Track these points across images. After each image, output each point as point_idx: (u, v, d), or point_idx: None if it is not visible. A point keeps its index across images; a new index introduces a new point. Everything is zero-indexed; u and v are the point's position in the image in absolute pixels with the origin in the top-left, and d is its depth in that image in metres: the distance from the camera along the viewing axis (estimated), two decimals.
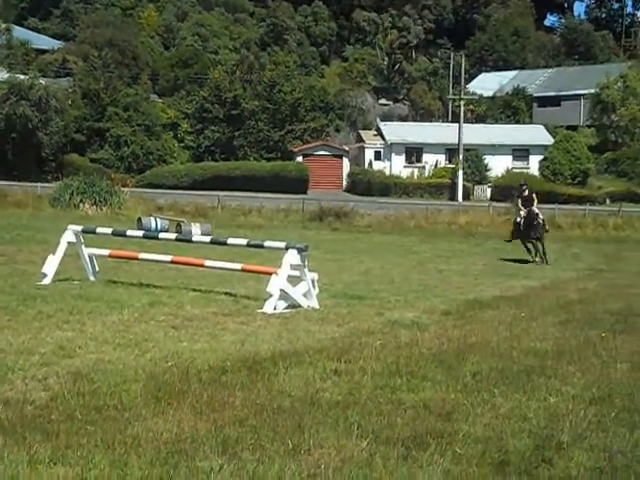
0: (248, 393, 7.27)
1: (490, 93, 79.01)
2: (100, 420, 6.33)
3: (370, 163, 69.24)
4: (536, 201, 25.91)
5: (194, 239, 16.19)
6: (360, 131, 73.69)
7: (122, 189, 42.41)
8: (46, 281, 14.06)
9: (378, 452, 5.85)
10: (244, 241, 14.69)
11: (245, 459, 5.65)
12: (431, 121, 78.36)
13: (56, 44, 79.50)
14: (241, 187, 56.37)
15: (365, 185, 64.72)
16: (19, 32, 75.67)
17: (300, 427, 6.33)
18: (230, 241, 14.89)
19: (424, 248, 29.71)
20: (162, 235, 15.95)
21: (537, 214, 25.55)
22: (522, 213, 25.56)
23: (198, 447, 5.83)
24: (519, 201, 26.21)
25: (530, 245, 25.72)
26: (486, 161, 67.28)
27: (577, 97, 77.90)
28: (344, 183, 68.37)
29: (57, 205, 38.00)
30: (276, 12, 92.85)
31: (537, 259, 25.39)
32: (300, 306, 12.78)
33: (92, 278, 14.87)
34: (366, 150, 69.66)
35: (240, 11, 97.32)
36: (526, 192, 25.95)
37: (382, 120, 74.21)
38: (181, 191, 52.44)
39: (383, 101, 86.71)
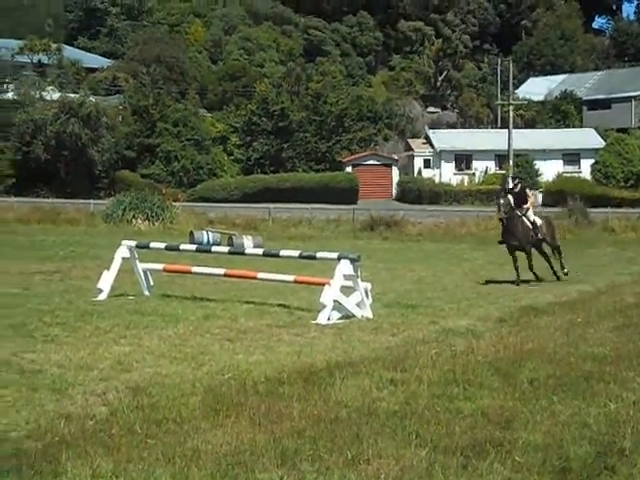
0: (305, 404, 7.28)
1: (539, 98, 78.36)
2: (160, 434, 6.39)
3: (419, 171, 69.05)
4: (531, 199, 21.67)
5: (247, 252, 16.28)
6: (409, 139, 73.53)
7: (173, 204, 42.75)
8: (102, 297, 14.20)
9: (437, 461, 5.83)
10: (296, 253, 14.73)
11: (304, 470, 5.66)
12: (480, 128, 77.96)
13: (106, 62, 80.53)
14: (291, 199, 56.52)
15: (415, 193, 64.54)
16: (70, 52, 76.75)
17: (358, 437, 6.33)
18: (283, 253, 14.94)
19: (476, 255, 29.49)
20: (215, 248, 16.05)
21: (520, 216, 20.50)
22: (502, 213, 20.33)
23: (257, 459, 5.85)
24: (508, 199, 20.54)
25: (515, 255, 20.31)
26: (537, 166, 66.74)
27: (628, 99, 76.94)
28: (394, 192, 68.25)
29: (110, 221, 38.39)
30: (309, 25, 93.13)
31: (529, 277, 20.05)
32: (354, 316, 12.77)
33: (147, 293, 14.99)
34: (415, 158, 69.50)
35: (287, 23, 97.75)
36: (517, 187, 21.09)
37: (430, 128, 74.00)
38: (232, 204, 52.73)
39: (431, 109, 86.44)
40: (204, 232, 32.21)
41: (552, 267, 20.76)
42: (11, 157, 61.24)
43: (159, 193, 45.70)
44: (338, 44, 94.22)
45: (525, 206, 20.81)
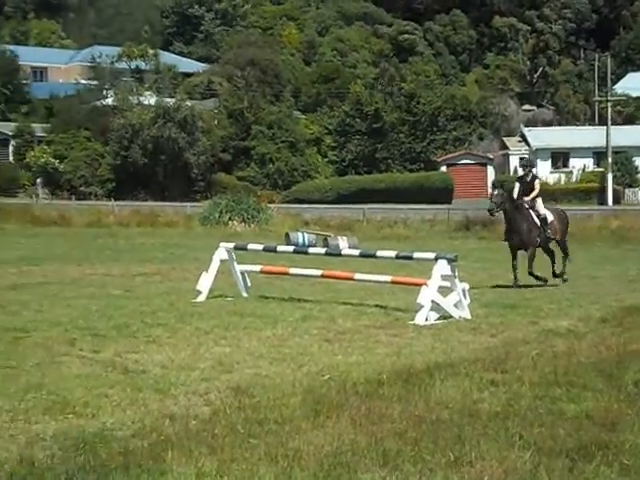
0: (406, 405, 7.26)
1: (638, 93, 76.65)
2: (262, 434, 6.43)
3: (515, 170, 68.22)
4: (536, 190, 18.39)
5: (343, 253, 16.33)
6: (504, 138, 72.73)
7: (269, 205, 43.10)
8: (201, 298, 14.38)
9: (542, 464, 5.75)
10: (393, 253, 14.69)
11: (407, 471, 5.64)
12: (577, 125, 76.65)
13: (201, 67, 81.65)
14: (385, 199, 56.42)
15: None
16: (166, 57, 78.09)
17: (460, 439, 6.28)
18: (379, 253, 14.91)
19: (575, 254, 28.98)
20: (312, 250, 16.13)
21: (527, 209, 18.17)
22: (492, 204, 17.94)
23: (359, 460, 5.85)
24: (502, 191, 18.64)
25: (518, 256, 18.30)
26: (636, 163, 65.31)
27: None
28: (489, 191, 67.58)
29: (207, 223, 38.90)
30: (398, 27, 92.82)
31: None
32: (452, 317, 12.68)
33: (245, 294, 15.12)
34: (511, 157, 68.68)
35: (378, 23, 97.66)
36: (529, 176, 18.65)
37: (526, 126, 73.06)
38: (326, 205, 52.89)
39: (527, 107, 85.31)
40: (299, 233, 32.37)
41: (554, 268, 18.86)
42: (110, 161, 62.56)
43: (254, 195, 46.18)
44: (431, 43, 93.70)
45: (527, 198, 18.16)
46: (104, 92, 69.08)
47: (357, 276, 14.59)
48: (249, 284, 15.29)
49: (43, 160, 62.44)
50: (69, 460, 5.77)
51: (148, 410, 7.11)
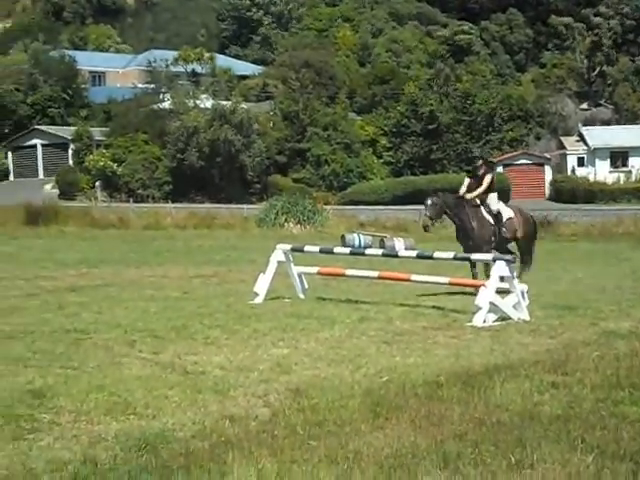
0: (465, 407, 7.21)
1: None
2: (321, 435, 6.44)
3: (573, 170, 67.55)
4: (482, 187, 16.08)
5: (400, 254, 16.29)
6: (561, 138, 72.05)
7: (324, 207, 43.13)
8: (258, 300, 14.42)
9: (606, 467, 5.67)
10: (451, 254, 14.60)
11: (467, 474, 5.61)
12: (636, 123, 75.60)
13: (256, 69, 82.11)
14: None
15: (569, 192, 63.19)
16: (222, 60, 78.68)
17: (521, 441, 6.22)
18: (436, 255, 14.82)
19: (636, 255, 28.60)
20: (368, 251, 16.10)
21: (477, 206, 16.05)
22: (425, 218, 16.15)
23: (419, 462, 5.82)
24: (437, 200, 16.04)
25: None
26: None
27: None
28: (547, 191, 67.02)
29: (263, 225, 39.06)
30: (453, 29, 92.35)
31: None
32: (510, 318, 12.57)
33: (302, 296, 15.14)
34: (568, 157, 68.06)
35: (433, 23, 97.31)
36: (480, 171, 16.40)
37: (584, 125, 72.27)
38: (382, 206, 52.80)
39: (584, 106, 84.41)
40: (355, 235, 32.35)
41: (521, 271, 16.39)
42: (167, 164, 63.12)
43: (310, 197, 46.25)
44: (487, 43, 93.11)
45: (469, 195, 16.03)
46: (161, 96, 69.76)
47: (414, 277, 14.53)
48: (306, 286, 15.31)
49: (102, 163, 63.21)
50: (131, 460, 5.84)
51: (208, 411, 7.15)
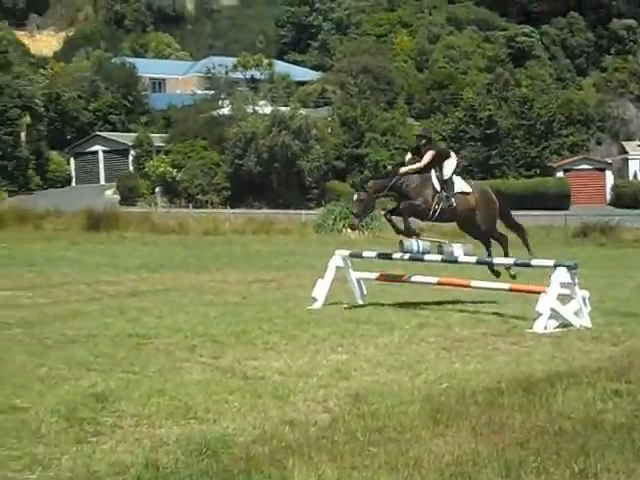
0: (527, 415, 7.14)
1: None
2: (381, 441, 6.41)
3: (635, 175, 66.62)
4: (423, 162, 14.48)
5: (460, 260, 16.19)
6: (623, 142, 71.10)
7: (382, 212, 43.01)
8: (317, 305, 14.43)
9: None
10: (511, 260, 14.48)
11: None
12: None
13: (315, 75, 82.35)
14: None
15: (630, 198, 62.36)
16: (280, 66, 79.05)
17: (584, 450, 6.14)
18: (497, 260, 14.73)
19: None
20: (428, 257, 16.01)
21: (429, 177, 14.46)
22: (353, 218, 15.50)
23: (480, 470, 5.78)
24: (364, 194, 14.71)
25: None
26: None
27: None
28: (608, 197, 66.19)
29: (321, 231, 39.12)
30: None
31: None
32: (571, 325, 12.43)
33: (360, 301, 15.13)
34: (630, 162, 67.16)
35: (492, 28, 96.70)
36: (423, 149, 14.71)
37: None
38: None
39: None
40: (414, 240, 32.18)
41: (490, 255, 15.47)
42: (226, 170, 63.52)
43: None
44: (547, 47, 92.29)
45: (402, 169, 14.55)
46: (220, 102, 70.25)
47: (474, 283, 14.44)
48: (365, 291, 15.29)
49: (161, 169, 63.85)
50: (192, 465, 5.87)
51: (268, 416, 7.17)
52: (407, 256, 15.66)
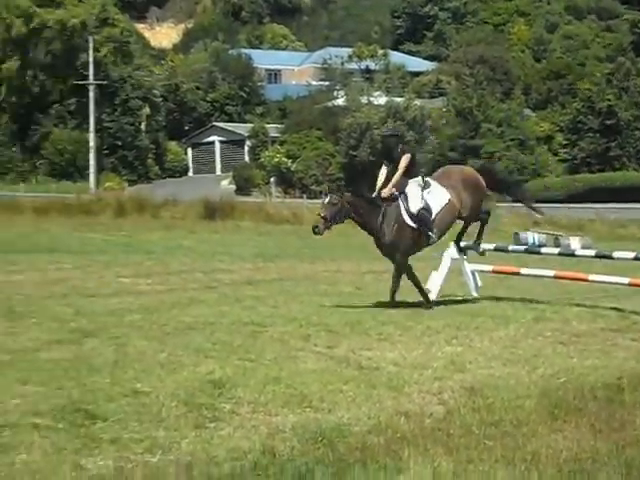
0: None
1: None
2: (497, 435, 6.35)
3: None
4: (400, 171, 12.99)
5: (577, 253, 15.91)
6: None
7: (496, 204, 42.47)
8: (431, 297, 14.36)
9: None
10: (631, 254, 14.13)
11: None
12: None
13: (430, 65, 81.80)
14: (620, 199, 54.48)
15: None
16: (395, 57, 78.75)
17: None
18: (616, 254, 14.38)
19: None
20: (544, 250, 15.77)
21: (395, 201, 12.91)
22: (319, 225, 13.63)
23: (600, 467, 5.67)
24: (335, 198, 13.36)
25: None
26: None
27: None
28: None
29: None
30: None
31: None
32: None
33: (475, 293, 14.99)
34: None
35: (613, 17, 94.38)
36: (395, 152, 13.30)
37: None
38: (557, 204, 51.65)
39: None
40: (529, 233, 31.76)
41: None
42: (340, 160, 63.71)
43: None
44: None
45: (385, 192, 12.95)
46: (335, 93, 70.46)
47: (592, 277, 14.15)
48: (479, 283, 15.14)
49: (276, 160, 64.46)
50: (308, 453, 5.90)
51: (383, 407, 7.17)
52: (524, 248, 15.40)
